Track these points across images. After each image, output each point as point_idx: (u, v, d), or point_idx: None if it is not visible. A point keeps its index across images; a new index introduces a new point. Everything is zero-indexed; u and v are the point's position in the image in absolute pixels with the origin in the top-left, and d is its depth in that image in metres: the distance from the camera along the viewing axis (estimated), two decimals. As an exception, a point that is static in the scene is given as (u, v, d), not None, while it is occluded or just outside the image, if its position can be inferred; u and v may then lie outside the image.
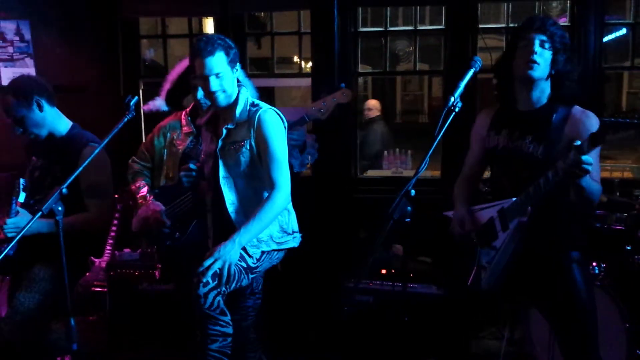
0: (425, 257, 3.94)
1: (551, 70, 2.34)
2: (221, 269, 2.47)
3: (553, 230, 2.39)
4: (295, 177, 2.81)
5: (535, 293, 2.50)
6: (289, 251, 2.83)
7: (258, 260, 2.67)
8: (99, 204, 2.99)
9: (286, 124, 2.71)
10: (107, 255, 3.60)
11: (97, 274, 3.55)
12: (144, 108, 3.22)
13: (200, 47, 2.54)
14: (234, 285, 2.56)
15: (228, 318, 2.54)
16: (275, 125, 2.63)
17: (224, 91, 2.59)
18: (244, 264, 2.59)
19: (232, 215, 2.68)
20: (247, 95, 2.69)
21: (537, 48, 2.30)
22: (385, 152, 5.38)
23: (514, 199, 2.33)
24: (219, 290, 2.48)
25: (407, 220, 2.03)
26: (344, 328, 3.48)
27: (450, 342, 2.92)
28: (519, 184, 2.35)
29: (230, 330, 2.55)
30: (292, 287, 3.78)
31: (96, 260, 3.59)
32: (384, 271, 3.65)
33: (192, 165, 2.85)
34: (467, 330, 2.71)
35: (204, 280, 2.44)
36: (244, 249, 2.59)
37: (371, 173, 5.16)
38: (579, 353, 2.38)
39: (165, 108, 3.21)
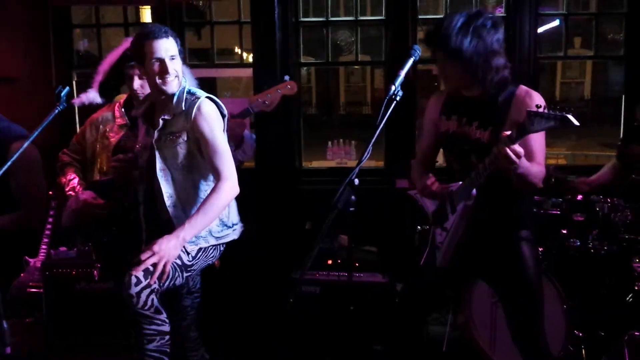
0: (370, 246, 3.97)
1: (470, 75, 2.34)
2: (155, 266, 2.38)
3: (500, 210, 2.45)
4: None
5: (486, 271, 2.56)
6: (228, 246, 2.77)
7: (194, 258, 2.59)
8: (30, 203, 2.86)
9: (225, 112, 2.64)
10: (42, 254, 3.46)
11: (32, 274, 3.41)
12: (75, 102, 3.08)
13: (153, 29, 2.48)
14: (167, 283, 2.46)
15: (164, 316, 2.46)
16: (212, 115, 2.55)
17: (177, 76, 2.53)
18: (178, 262, 2.50)
19: (170, 208, 2.59)
20: (184, 85, 2.60)
21: (440, 68, 2.38)
22: (330, 142, 5.39)
23: (460, 182, 2.39)
24: (152, 288, 2.38)
25: (351, 209, 2.02)
26: (291, 320, 3.47)
27: (398, 329, 2.95)
28: (468, 168, 2.38)
29: (167, 328, 2.47)
30: (238, 280, 3.73)
31: (31, 260, 3.44)
32: (330, 262, 3.65)
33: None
34: (417, 316, 2.74)
35: (135, 278, 2.35)
36: None
37: (315, 164, 5.17)
38: (526, 329, 2.45)
39: (98, 100, 3.09)
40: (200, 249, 2.60)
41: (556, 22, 4.80)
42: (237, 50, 4.86)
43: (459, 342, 3.43)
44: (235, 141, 3.11)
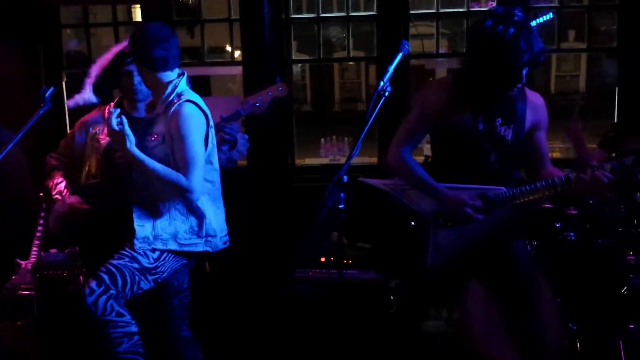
0: (365, 243, 3.95)
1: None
2: (105, 272, 2.43)
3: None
4: (224, 171, 2.74)
5: (480, 269, 2.55)
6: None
7: (156, 260, 2.55)
8: (16, 209, 2.84)
9: (209, 118, 2.58)
10: (33, 256, 3.43)
11: (24, 276, 3.39)
12: (69, 103, 3.03)
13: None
14: (128, 288, 2.47)
15: (128, 318, 2.46)
16: (190, 119, 2.47)
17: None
18: (136, 265, 2.49)
19: (135, 209, 2.55)
20: (177, 83, 2.55)
21: (524, 79, 2.28)
22: (323, 139, 5.38)
23: (503, 188, 2.35)
24: (108, 294, 2.41)
25: (340, 206, 2.01)
26: (283, 318, 3.45)
27: (392, 325, 2.94)
28: (483, 166, 2.38)
29: (134, 328, 2.47)
30: (230, 279, 3.71)
31: (22, 262, 3.42)
32: (323, 259, 3.63)
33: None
34: (413, 313, 2.73)
35: (88, 289, 2.39)
36: (134, 250, 2.50)
37: (308, 161, 5.15)
38: (523, 325, 2.45)
39: (94, 100, 3.03)
40: (163, 251, 2.57)
41: (549, 16, 4.78)
42: (228, 48, 4.84)
43: (455, 338, 3.42)
44: (228, 143, 3.08)
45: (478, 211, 2.35)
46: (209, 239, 2.65)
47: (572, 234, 3.31)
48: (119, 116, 2.43)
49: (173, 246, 2.57)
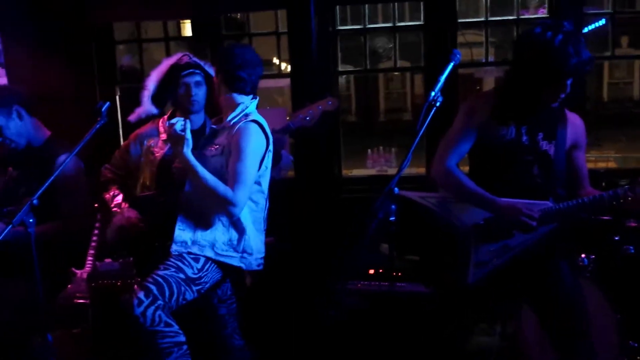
0: (413, 255, 3.90)
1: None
2: (152, 283, 2.47)
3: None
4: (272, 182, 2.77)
5: (523, 289, 2.49)
6: (268, 258, 2.74)
7: (200, 270, 2.59)
8: (73, 214, 2.93)
9: (270, 142, 2.66)
10: (88, 266, 3.52)
11: (79, 285, 3.47)
12: (131, 118, 3.10)
13: None
14: (174, 299, 2.51)
15: (176, 327, 2.50)
16: (252, 139, 2.57)
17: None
18: (182, 276, 2.54)
19: (179, 215, 2.61)
20: (248, 105, 2.68)
21: (568, 89, 2.29)
22: (369, 150, 5.36)
23: (549, 203, 2.33)
24: (156, 305, 2.44)
25: (391, 218, 1.99)
26: (332, 331, 3.43)
27: (442, 340, 2.89)
28: (526, 181, 2.35)
29: (182, 337, 2.50)
30: (277, 291, 3.71)
31: (77, 271, 3.50)
32: (371, 271, 3.60)
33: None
34: (459, 327, 2.67)
35: (137, 300, 2.42)
36: (181, 257, 2.55)
37: (356, 172, 5.14)
38: (571, 347, 2.37)
39: (154, 111, 3.07)
40: (207, 261, 2.61)
41: (602, 22, 4.66)
42: (276, 60, 4.89)
43: (509, 353, 3.33)
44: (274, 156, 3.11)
45: (534, 220, 2.30)
46: (245, 255, 2.69)
47: (631, 247, 3.20)
48: (184, 125, 2.51)
49: (209, 253, 2.62)
